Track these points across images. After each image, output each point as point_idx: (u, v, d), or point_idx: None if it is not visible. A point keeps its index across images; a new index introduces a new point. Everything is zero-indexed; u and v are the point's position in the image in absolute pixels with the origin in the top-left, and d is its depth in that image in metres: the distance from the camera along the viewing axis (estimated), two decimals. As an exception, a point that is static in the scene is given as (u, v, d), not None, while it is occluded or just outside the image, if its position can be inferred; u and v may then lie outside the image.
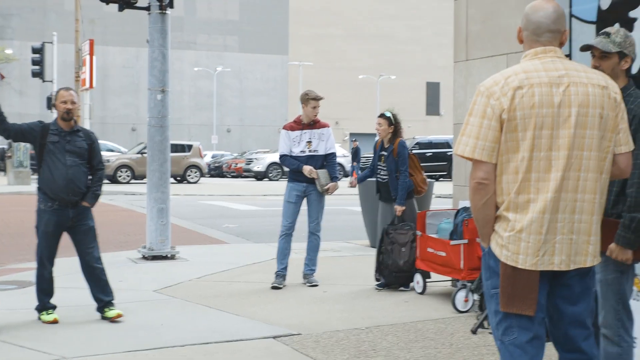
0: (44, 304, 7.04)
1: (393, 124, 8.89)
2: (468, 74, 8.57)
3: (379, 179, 9.03)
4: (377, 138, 9.19)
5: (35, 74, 33.88)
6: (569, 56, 5.16)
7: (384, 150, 8.93)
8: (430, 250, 8.07)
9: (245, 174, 44.57)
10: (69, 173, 6.87)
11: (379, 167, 9.01)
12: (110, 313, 7.03)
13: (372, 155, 9.37)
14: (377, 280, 8.76)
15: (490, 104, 3.55)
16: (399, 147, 8.79)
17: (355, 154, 37.25)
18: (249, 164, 44.16)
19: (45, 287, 7.06)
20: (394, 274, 8.57)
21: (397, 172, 8.76)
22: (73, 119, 7.03)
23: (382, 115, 8.94)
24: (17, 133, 6.91)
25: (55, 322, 6.89)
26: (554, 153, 3.51)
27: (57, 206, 6.91)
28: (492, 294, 3.67)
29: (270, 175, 42.00)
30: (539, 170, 3.52)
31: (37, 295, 7.07)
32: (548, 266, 3.53)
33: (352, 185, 9.43)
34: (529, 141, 3.50)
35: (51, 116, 36.24)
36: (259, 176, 42.44)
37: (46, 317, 6.95)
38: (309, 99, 9.02)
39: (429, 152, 36.97)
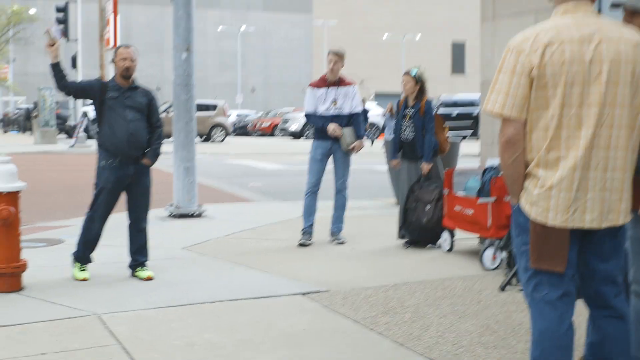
0: (85, 255, 7.07)
1: (419, 82, 8.83)
2: (495, 32, 8.48)
3: (402, 138, 8.96)
4: (400, 97, 9.14)
5: (60, 34, 33.92)
6: (598, 13, 5.09)
7: (409, 108, 8.87)
8: (457, 208, 8.05)
9: (281, 133, 44.58)
10: (130, 127, 6.87)
11: (403, 125, 8.92)
12: (142, 274, 7.05)
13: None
14: (402, 237, 8.78)
15: (520, 60, 3.52)
16: (426, 105, 8.74)
17: (365, 114, 36.54)
18: (285, 122, 44.07)
19: (90, 241, 7.08)
20: (417, 231, 8.60)
21: (423, 130, 8.73)
22: (132, 78, 7.02)
23: (407, 73, 8.86)
24: (77, 90, 6.96)
25: (84, 280, 6.95)
26: (585, 110, 3.48)
27: (118, 163, 6.91)
28: (522, 250, 3.67)
29: (306, 134, 41.54)
30: (569, 127, 3.49)
31: (79, 245, 7.09)
32: (579, 224, 3.52)
33: (395, 166, 9.13)
34: (559, 98, 3.47)
35: (75, 75, 36.42)
36: (296, 135, 42.21)
37: (79, 273, 7.00)
38: (328, 53, 9.00)
39: (454, 111, 36.74)
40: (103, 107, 6.91)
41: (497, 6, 8.45)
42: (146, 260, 7.19)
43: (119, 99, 6.91)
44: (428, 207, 8.51)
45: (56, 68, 6.76)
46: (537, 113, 3.52)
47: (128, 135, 6.86)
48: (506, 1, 8.31)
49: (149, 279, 6.99)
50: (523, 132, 3.55)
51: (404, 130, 8.90)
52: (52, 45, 6.72)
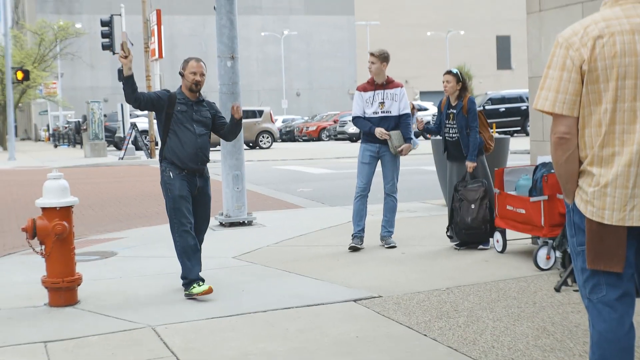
0: (192, 276, 6.73)
1: (460, 80, 8.75)
2: (542, 25, 8.36)
3: (447, 138, 8.88)
4: (443, 97, 9.07)
5: (105, 47, 34.31)
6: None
7: (452, 108, 8.78)
8: (509, 207, 7.95)
9: (339, 136, 44.57)
10: (199, 142, 6.85)
11: (447, 125, 8.85)
12: (204, 288, 6.69)
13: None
14: (450, 237, 8.72)
15: (570, 55, 3.43)
16: (468, 104, 8.65)
17: None
18: (343, 126, 44.06)
19: (193, 254, 6.80)
20: (463, 231, 8.51)
21: (467, 129, 8.64)
22: (199, 92, 7.01)
23: (449, 72, 8.80)
24: (147, 102, 6.82)
25: (210, 291, 6.63)
26: (639, 103, 3.39)
27: (185, 174, 6.84)
28: (579, 251, 3.59)
29: None
30: (623, 122, 3.40)
31: (185, 265, 6.77)
32: (637, 222, 3.43)
33: (419, 128, 9.10)
34: (612, 92, 3.38)
35: (120, 88, 36.59)
36: (354, 138, 42.06)
37: (199, 289, 6.65)
38: (369, 54, 8.95)
39: (502, 107, 36.43)
40: (170, 119, 6.85)
41: (543, -1, 8.33)
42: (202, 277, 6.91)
43: (188, 113, 6.86)
44: (473, 206, 8.42)
45: (130, 80, 6.62)
46: (589, 108, 3.44)
47: (196, 149, 6.84)
48: (552, -7, 8.18)
49: (209, 292, 6.66)
50: (576, 129, 3.47)
51: (449, 130, 8.84)
52: (126, 57, 6.61)
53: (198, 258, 6.86)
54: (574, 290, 6.34)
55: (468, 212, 8.43)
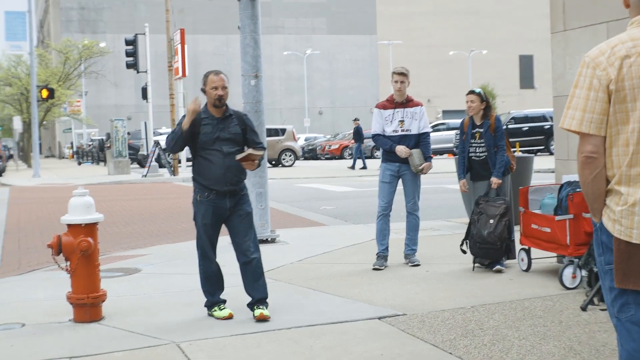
0: (214, 299, 6.71)
1: (484, 99, 8.72)
2: (566, 44, 8.36)
3: (473, 157, 8.79)
4: (464, 117, 9.02)
5: (129, 66, 34.64)
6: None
7: (478, 127, 8.73)
8: (534, 226, 7.91)
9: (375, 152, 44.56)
10: (226, 161, 6.51)
11: (474, 144, 8.77)
12: (256, 312, 6.53)
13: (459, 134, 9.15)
14: (463, 252, 8.61)
15: (597, 75, 3.42)
16: (496, 122, 8.64)
17: (357, 134, 34.48)
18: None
19: (213, 280, 6.73)
20: (477, 245, 8.35)
21: (495, 147, 8.61)
22: (225, 105, 6.69)
23: (472, 92, 8.76)
24: (184, 143, 6.61)
25: (230, 317, 6.55)
26: None
27: (214, 196, 6.58)
28: (606, 270, 3.56)
29: None
30: None
31: (206, 290, 6.75)
32: (665, 241, 3.40)
33: (463, 187, 8.98)
34: (639, 112, 3.37)
35: (147, 106, 37.12)
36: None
37: (219, 312, 6.62)
38: (392, 73, 8.96)
39: (525, 126, 36.32)
40: (197, 141, 6.58)
41: (568, 18, 8.33)
42: (262, 297, 6.63)
43: (213, 133, 6.54)
44: (491, 221, 8.30)
45: (186, 134, 6.49)
46: (616, 128, 3.42)
47: (225, 170, 6.51)
48: (577, 13, 8.18)
49: (262, 318, 6.45)
50: (603, 148, 3.45)
51: (475, 150, 8.78)
52: (195, 110, 6.47)
53: (217, 282, 6.77)
54: (601, 310, 6.29)
55: (485, 226, 8.30)
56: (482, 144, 8.70)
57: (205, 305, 6.79)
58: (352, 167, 33.57)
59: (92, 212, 6.67)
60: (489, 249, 8.33)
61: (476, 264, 8.53)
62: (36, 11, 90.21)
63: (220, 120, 6.63)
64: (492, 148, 8.62)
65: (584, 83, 3.46)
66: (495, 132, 8.61)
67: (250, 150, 6.45)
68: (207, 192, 6.61)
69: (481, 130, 8.70)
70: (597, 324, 6.01)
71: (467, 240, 8.58)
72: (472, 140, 8.79)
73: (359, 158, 33.51)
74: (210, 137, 6.55)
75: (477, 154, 8.77)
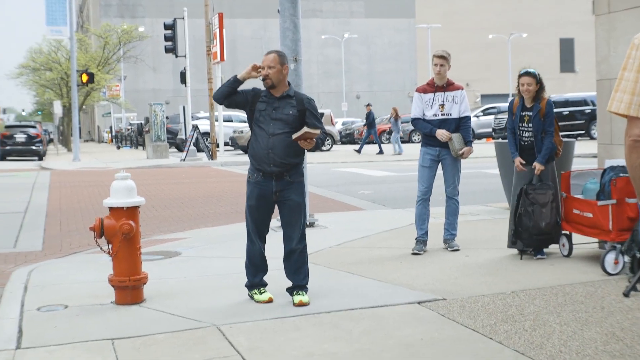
0: (254, 281, 6.74)
1: (539, 81, 8.23)
2: (611, 27, 8.23)
3: (520, 142, 8.38)
4: (511, 98, 8.64)
5: (168, 50, 34.82)
6: None
7: (528, 110, 8.27)
8: (576, 211, 7.83)
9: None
10: (271, 142, 6.47)
11: (521, 128, 8.34)
12: (295, 298, 6.54)
13: (507, 117, 8.84)
14: (513, 244, 8.34)
15: None
16: (547, 107, 8.18)
17: (369, 119, 34.42)
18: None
19: (256, 263, 6.75)
20: (534, 237, 8.10)
21: (542, 132, 8.21)
22: (286, 84, 6.63)
23: (528, 74, 8.16)
24: (231, 102, 6.64)
25: (270, 301, 6.58)
26: None
27: (260, 177, 6.56)
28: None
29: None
30: None
31: (247, 271, 6.79)
32: None
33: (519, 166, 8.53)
34: None
35: (185, 91, 37.28)
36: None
37: (259, 296, 6.65)
38: (433, 56, 8.86)
39: (566, 110, 35.91)
40: (252, 118, 6.62)
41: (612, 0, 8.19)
42: (301, 284, 6.65)
43: (266, 111, 6.54)
44: (544, 210, 8.06)
45: (236, 83, 6.58)
46: None
47: (267, 150, 6.48)
48: (621, -5, 8.04)
49: (301, 304, 6.46)
50: None
51: (522, 133, 8.35)
52: (259, 71, 6.54)
53: (259, 264, 6.78)
54: (644, 296, 6.23)
55: (541, 217, 8.01)
56: (530, 129, 8.27)
57: (245, 285, 6.82)
58: (358, 151, 33.56)
59: (133, 196, 6.73)
60: (545, 239, 8.15)
61: (518, 253, 8.38)
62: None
63: (276, 100, 6.61)
64: (539, 133, 8.21)
65: (634, 65, 3.40)
66: (545, 117, 8.17)
67: (305, 129, 6.44)
68: (255, 172, 6.61)
69: (530, 113, 8.23)
70: (640, 310, 5.94)
71: (516, 233, 8.21)
72: (520, 124, 8.34)
73: (373, 143, 33.18)
74: (263, 115, 6.56)
75: (524, 139, 8.35)
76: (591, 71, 8.75)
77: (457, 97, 8.83)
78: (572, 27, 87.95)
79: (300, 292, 6.60)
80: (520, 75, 8.25)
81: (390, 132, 46.45)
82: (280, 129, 6.51)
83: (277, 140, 6.49)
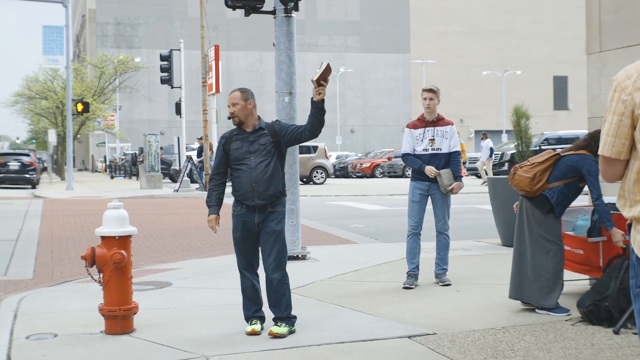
0: (248, 314, 6.78)
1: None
2: (602, 66, 8.31)
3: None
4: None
5: (163, 81, 34.92)
6: None
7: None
8: (567, 248, 7.84)
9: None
10: (253, 175, 6.57)
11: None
12: (273, 329, 6.53)
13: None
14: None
15: (622, 99, 3.37)
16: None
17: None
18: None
19: (248, 295, 6.78)
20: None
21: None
22: (256, 118, 6.73)
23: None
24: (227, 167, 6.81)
25: (253, 333, 6.58)
26: None
27: (244, 210, 6.66)
28: (637, 292, 3.52)
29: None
30: None
31: (242, 303, 6.84)
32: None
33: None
34: None
35: (180, 122, 37.37)
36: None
37: (247, 327, 6.69)
38: (422, 91, 8.95)
39: (559, 147, 36.08)
40: (229, 157, 6.71)
41: (604, 39, 8.29)
42: (281, 316, 6.63)
43: (243, 148, 6.65)
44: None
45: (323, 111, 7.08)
46: (635, 153, 3.37)
47: (251, 184, 6.57)
48: (613, 34, 8.14)
49: (272, 334, 6.48)
50: (623, 174, 3.41)
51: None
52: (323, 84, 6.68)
53: (252, 297, 6.78)
54: (634, 333, 6.23)
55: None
56: None
57: (245, 318, 6.83)
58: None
59: (126, 225, 6.74)
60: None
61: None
62: (73, 26, 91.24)
63: (250, 134, 6.71)
64: None
65: (611, 107, 3.42)
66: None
67: (324, 63, 6.52)
68: (240, 206, 6.71)
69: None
70: (630, 347, 5.95)
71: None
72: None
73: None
74: (240, 152, 6.66)
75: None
76: (584, 109, 8.82)
77: (447, 132, 8.88)
78: (565, 65, 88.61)
79: (279, 323, 6.60)
80: None
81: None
82: (261, 159, 6.62)
83: (260, 173, 6.58)
